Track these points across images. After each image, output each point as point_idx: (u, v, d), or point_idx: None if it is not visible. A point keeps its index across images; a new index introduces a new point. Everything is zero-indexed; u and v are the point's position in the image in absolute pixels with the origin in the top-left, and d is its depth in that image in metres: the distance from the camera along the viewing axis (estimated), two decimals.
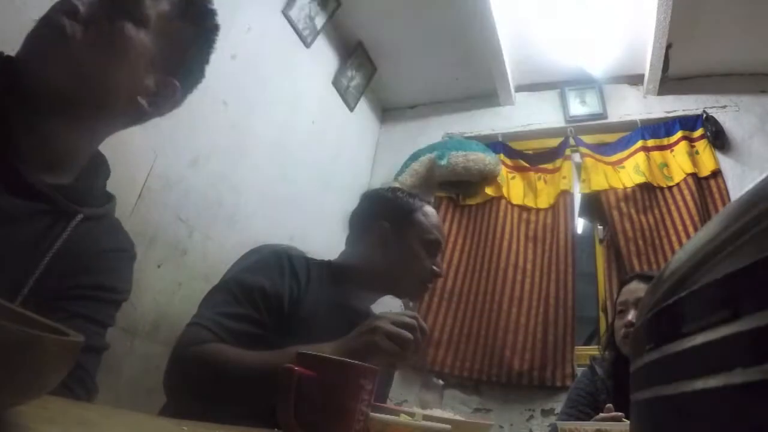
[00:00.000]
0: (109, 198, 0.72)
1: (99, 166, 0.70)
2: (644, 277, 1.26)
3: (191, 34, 0.70)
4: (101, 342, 0.65)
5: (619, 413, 0.89)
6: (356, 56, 2.28)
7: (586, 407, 1.19)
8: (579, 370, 1.58)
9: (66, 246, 0.60)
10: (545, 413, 1.76)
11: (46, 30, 0.57)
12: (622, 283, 1.31)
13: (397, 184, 2.27)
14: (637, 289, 1.22)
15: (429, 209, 1.09)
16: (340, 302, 0.99)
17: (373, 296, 1.10)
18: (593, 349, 1.80)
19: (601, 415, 0.92)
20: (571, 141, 2.24)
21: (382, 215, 1.06)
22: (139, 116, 0.70)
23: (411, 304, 0.91)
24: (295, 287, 0.91)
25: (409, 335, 0.73)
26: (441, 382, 0.91)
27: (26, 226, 0.57)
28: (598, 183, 2.05)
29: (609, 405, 0.92)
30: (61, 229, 0.60)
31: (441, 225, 1.12)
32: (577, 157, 2.21)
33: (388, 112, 2.72)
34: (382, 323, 0.74)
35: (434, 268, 1.05)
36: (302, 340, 0.82)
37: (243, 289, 0.86)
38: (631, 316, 1.19)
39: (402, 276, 1.03)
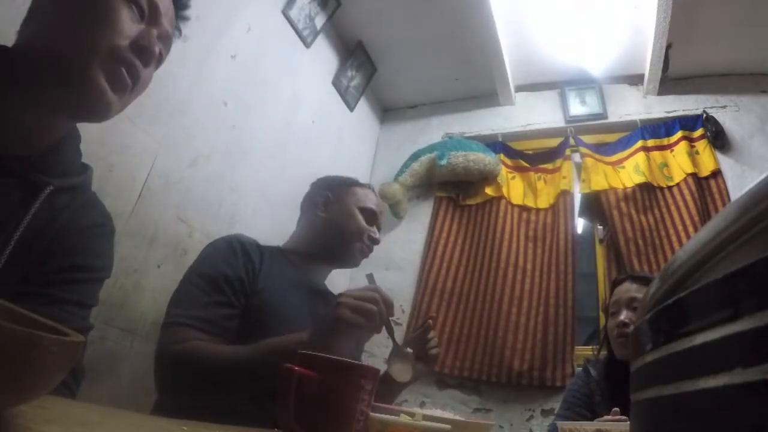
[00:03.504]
0: (85, 168, 0.69)
1: (69, 134, 0.68)
2: (636, 278, 1.26)
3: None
4: (85, 324, 0.66)
5: (623, 417, 0.89)
6: (356, 56, 2.28)
7: (581, 409, 1.19)
8: (579, 370, 1.58)
9: (41, 222, 0.59)
10: (545, 413, 1.76)
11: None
12: (614, 284, 1.30)
13: (397, 185, 2.28)
14: (629, 289, 1.22)
15: (369, 190, 1.23)
16: (294, 278, 1.05)
17: (321, 266, 1.18)
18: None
19: (606, 417, 0.92)
20: (571, 141, 2.24)
21: (327, 188, 1.21)
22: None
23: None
24: (250, 267, 0.97)
25: (371, 307, 0.77)
26: (410, 350, 0.93)
27: None
28: (598, 183, 2.05)
29: (615, 408, 0.92)
30: (30, 203, 0.58)
31: (380, 204, 1.25)
32: (577, 157, 2.21)
33: (388, 112, 2.73)
34: (344, 299, 0.78)
35: (371, 234, 1.16)
36: (263, 316, 0.90)
37: (206, 279, 0.91)
38: (623, 316, 1.18)
39: (340, 234, 1.13)
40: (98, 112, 0.60)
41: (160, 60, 0.67)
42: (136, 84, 0.62)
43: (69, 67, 0.57)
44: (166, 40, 0.68)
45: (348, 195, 1.18)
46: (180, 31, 0.73)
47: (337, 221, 1.14)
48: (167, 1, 0.67)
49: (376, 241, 1.18)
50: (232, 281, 0.92)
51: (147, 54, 0.62)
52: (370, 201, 1.19)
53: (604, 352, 1.31)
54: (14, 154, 0.58)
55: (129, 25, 0.61)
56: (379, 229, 1.20)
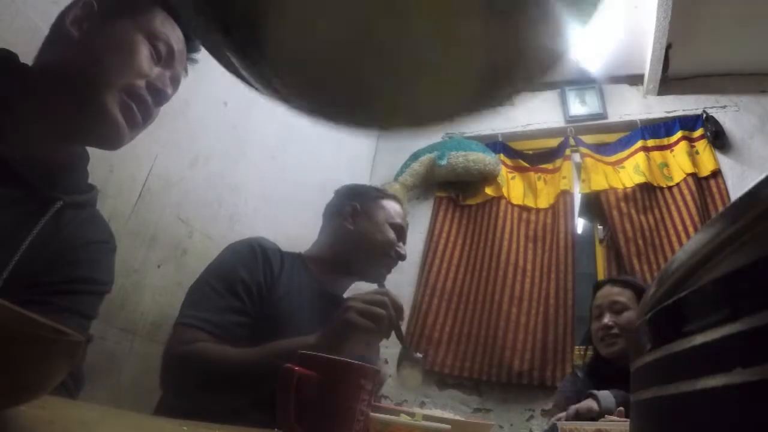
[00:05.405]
0: (91, 188, 0.73)
1: (79, 154, 0.71)
2: (616, 282, 1.33)
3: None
4: (85, 333, 0.67)
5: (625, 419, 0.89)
6: None
7: (572, 394, 1.23)
8: (567, 375, 1.60)
9: (47, 234, 0.61)
10: (545, 413, 1.76)
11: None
12: (595, 289, 1.36)
13: (397, 185, 2.28)
14: (610, 292, 1.28)
15: (395, 202, 1.18)
16: (314, 289, 1.03)
17: (343, 279, 1.14)
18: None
19: (609, 417, 0.92)
20: (571, 141, 2.23)
21: (354, 198, 1.15)
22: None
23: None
24: (269, 273, 0.94)
25: (381, 311, 0.76)
26: (420, 355, 0.92)
27: (5, 213, 0.58)
28: (598, 183, 2.05)
29: (620, 408, 0.93)
30: (40, 216, 0.61)
31: (405, 217, 1.19)
32: (577, 157, 2.21)
33: None
34: (353, 303, 0.77)
35: (398, 249, 1.11)
36: (278, 325, 0.88)
37: (222, 281, 0.89)
38: (606, 319, 1.24)
39: (368, 248, 1.08)
40: (111, 141, 0.65)
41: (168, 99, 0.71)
42: (146, 121, 0.67)
43: (87, 95, 0.60)
44: (176, 83, 0.72)
45: (377, 208, 1.12)
46: (186, 71, 0.77)
47: (365, 234, 1.08)
48: (181, 45, 0.71)
49: (402, 257, 1.13)
50: (249, 286, 0.89)
51: (160, 96, 0.66)
52: (399, 215, 1.14)
53: (590, 353, 1.37)
54: (28, 168, 0.60)
55: (147, 66, 0.65)
56: (404, 243, 1.15)
